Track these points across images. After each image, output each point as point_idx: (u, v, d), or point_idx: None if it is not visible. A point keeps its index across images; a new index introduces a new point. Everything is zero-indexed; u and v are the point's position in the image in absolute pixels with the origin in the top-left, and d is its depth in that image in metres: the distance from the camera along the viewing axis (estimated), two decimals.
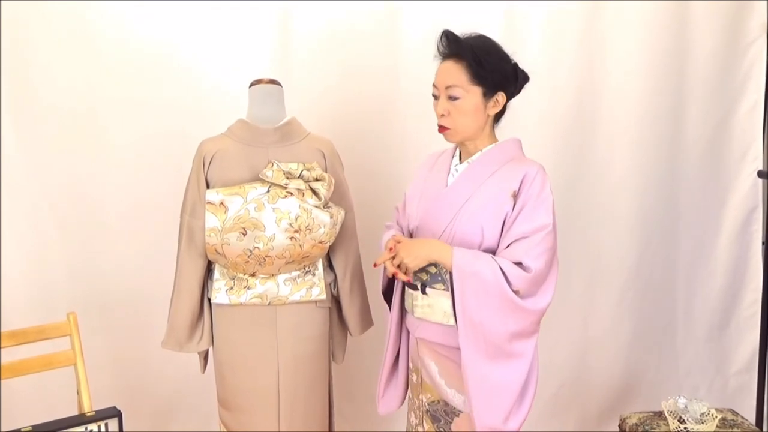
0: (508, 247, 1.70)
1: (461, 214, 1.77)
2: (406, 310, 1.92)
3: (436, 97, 1.80)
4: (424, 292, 1.83)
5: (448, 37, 1.76)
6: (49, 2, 2.48)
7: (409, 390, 2.00)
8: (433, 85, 1.80)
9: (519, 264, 1.67)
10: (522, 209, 1.71)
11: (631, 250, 2.94)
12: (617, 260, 2.95)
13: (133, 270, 2.67)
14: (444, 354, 1.80)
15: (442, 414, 1.85)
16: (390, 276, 1.85)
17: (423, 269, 1.81)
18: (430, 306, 1.82)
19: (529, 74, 1.82)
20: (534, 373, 1.77)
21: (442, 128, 1.79)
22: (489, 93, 1.76)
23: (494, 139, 1.85)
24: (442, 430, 1.86)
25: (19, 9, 2.46)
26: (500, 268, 1.65)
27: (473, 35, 1.77)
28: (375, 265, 1.82)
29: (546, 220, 1.70)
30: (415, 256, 1.73)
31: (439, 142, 1.93)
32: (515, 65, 1.79)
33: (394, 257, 1.77)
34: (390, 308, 1.98)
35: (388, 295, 2.01)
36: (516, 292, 1.66)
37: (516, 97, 1.83)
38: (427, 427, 1.91)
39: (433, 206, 1.84)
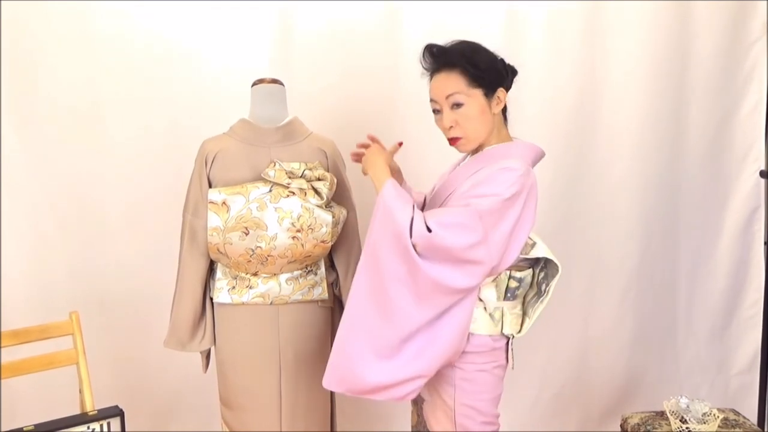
0: None
1: (444, 206, 1.79)
2: None
3: (437, 112, 1.78)
4: None
5: (432, 50, 1.75)
6: (50, 1, 2.47)
7: None
8: (432, 101, 1.78)
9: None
10: (468, 190, 1.69)
11: (632, 250, 2.94)
12: (618, 260, 2.95)
13: (134, 269, 2.67)
14: None
15: (419, 398, 1.88)
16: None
17: None
18: None
19: (530, 75, 1.82)
20: (438, 345, 1.68)
21: (453, 140, 1.78)
22: (490, 92, 1.75)
23: (504, 139, 1.83)
24: (419, 414, 1.92)
25: (19, 8, 2.46)
26: (412, 218, 1.63)
27: (455, 42, 1.76)
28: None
29: (474, 203, 1.64)
30: (366, 163, 1.83)
31: (438, 142, 1.93)
32: (502, 60, 1.79)
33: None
34: None
35: None
36: (414, 246, 1.62)
37: (516, 98, 1.83)
38: (412, 408, 1.97)
39: (434, 195, 1.88)
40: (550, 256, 1.84)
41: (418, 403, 1.92)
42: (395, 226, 1.63)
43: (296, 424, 2.07)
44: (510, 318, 1.82)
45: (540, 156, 1.83)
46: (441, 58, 1.74)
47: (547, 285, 1.86)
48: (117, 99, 2.57)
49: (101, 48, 2.54)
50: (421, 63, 1.77)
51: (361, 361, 1.67)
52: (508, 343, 1.85)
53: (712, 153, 2.93)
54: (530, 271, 1.86)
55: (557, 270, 1.85)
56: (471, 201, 1.65)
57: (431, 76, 1.78)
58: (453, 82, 1.73)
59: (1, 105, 2.50)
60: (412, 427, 1.99)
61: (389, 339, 1.66)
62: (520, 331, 1.85)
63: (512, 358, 1.87)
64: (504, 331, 1.82)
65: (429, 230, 1.61)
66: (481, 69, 1.72)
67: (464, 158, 1.90)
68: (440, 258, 1.64)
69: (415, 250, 1.62)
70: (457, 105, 1.73)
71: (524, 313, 1.88)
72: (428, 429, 1.87)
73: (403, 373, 1.67)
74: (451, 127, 1.75)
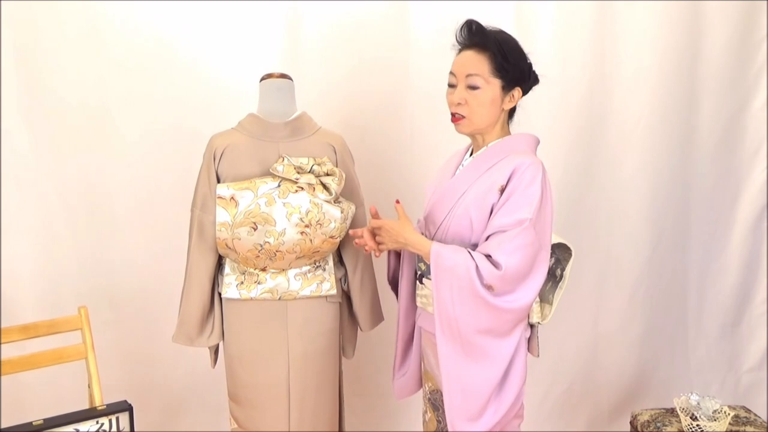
0: (487, 239, 1.69)
1: (456, 207, 1.78)
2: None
3: (452, 86, 1.78)
4: (420, 281, 1.85)
5: (471, 27, 1.75)
6: (58, 0, 2.47)
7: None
8: (451, 73, 1.78)
9: (489, 257, 1.65)
10: (506, 202, 1.69)
11: (642, 247, 2.93)
12: (628, 257, 2.93)
13: (143, 265, 2.67)
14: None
15: (440, 403, 1.85)
16: (367, 251, 1.89)
17: (420, 260, 1.84)
18: (426, 296, 1.84)
19: (541, 70, 1.81)
20: (514, 376, 1.74)
21: (455, 117, 1.78)
22: (507, 87, 1.75)
23: (505, 134, 1.84)
24: (440, 419, 1.87)
25: (28, 6, 2.46)
26: (475, 264, 1.64)
27: (495, 28, 1.76)
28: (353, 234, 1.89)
29: (525, 215, 1.65)
30: (394, 240, 1.78)
31: (448, 137, 1.92)
32: (530, 64, 1.79)
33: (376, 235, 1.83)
34: (397, 296, 2.00)
35: (394, 283, 2.03)
36: (489, 288, 1.64)
37: (528, 94, 1.83)
38: (429, 415, 1.93)
39: (439, 198, 1.86)
40: (559, 240, 1.85)
41: (438, 408, 1.88)
42: (462, 281, 1.65)
43: (305, 419, 2.07)
44: (535, 307, 1.84)
45: (537, 144, 1.85)
46: (476, 36, 1.74)
47: (562, 270, 1.87)
48: (126, 97, 2.57)
49: (110, 47, 2.54)
50: (457, 35, 1.77)
51: (478, 412, 1.73)
52: (531, 332, 1.87)
53: (723, 149, 2.91)
54: None
55: (570, 254, 1.86)
56: (514, 216, 1.65)
57: (460, 50, 1.78)
58: (478, 64, 1.73)
59: (12, 101, 2.50)
60: None
61: (491, 382, 1.71)
62: (543, 319, 1.87)
63: (537, 346, 1.89)
64: (531, 321, 1.84)
65: (495, 264, 1.63)
66: (509, 62, 1.73)
67: (462, 158, 1.90)
68: (515, 283, 1.67)
69: (492, 291, 1.65)
70: (474, 87, 1.73)
71: (542, 301, 1.89)
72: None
73: (507, 403, 1.74)
74: (459, 104, 1.76)
